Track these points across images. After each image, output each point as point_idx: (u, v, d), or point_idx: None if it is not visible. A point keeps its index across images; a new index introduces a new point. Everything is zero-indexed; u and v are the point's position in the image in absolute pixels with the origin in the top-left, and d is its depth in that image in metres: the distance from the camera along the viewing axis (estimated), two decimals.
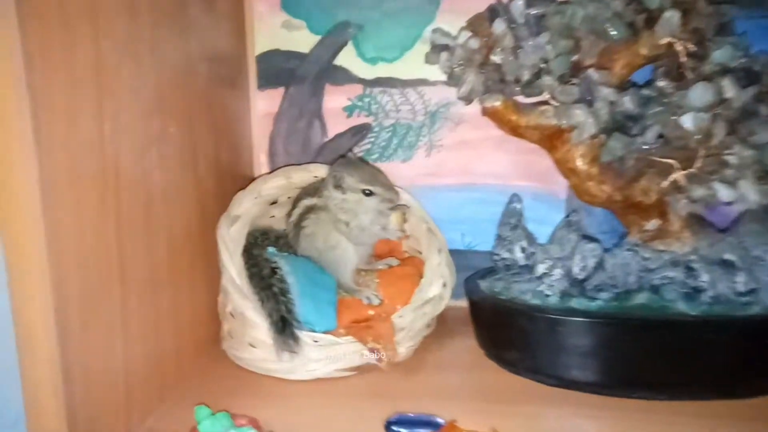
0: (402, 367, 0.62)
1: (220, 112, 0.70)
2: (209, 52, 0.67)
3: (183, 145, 0.58)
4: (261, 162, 0.81)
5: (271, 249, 0.66)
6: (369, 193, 0.66)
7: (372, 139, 0.80)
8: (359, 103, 0.79)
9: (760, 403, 0.55)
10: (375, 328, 0.60)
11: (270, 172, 0.72)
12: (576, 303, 0.60)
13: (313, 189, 0.70)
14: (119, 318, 0.48)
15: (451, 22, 0.71)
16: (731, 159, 0.54)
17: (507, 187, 0.79)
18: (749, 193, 0.52)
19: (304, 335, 0.57)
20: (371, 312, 0.64)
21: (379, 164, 0.79)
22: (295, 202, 0.70)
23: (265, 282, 0.58)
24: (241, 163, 0.77)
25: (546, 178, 0.78)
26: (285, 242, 0.71)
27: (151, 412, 0.52)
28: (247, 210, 0.64)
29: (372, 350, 0.58)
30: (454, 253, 0.78)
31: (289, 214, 0.71)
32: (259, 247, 0.64)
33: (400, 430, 0.48)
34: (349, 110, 0.79)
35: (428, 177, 0.80)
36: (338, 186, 0.66)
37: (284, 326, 0.56)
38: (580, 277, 0.60)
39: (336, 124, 0.80)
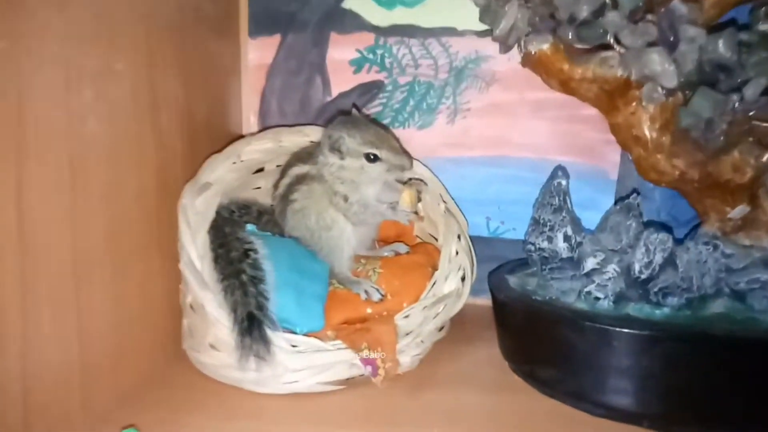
0: (405, 382, 0.49)
1: (198, 58, 0.57)
2: None
3: (137, 89, 0.46)
4: (251, 123, 0.68)
5: (250, 227, 0.53)
6: (373, 158, 0.53)
7: (384, 100, 0.66)
8: (370, 56, 0.66)
9: None
10: (372, 331, 0.47)
11: (256, 133, 0.59)
12: (635, 310, 0.46)
13: (306, 154, 0.56)
14: (18, 303, 0.35)
15: None
16: None
17: (545, 162, 0.66)
18: None
19: (278, 338, 0.44)
20: (370, 310, 0.51)
21: (395, 130, 0.66)
22: (284, 170, 0.57)
23: (234, 267, 0.45)
24: (226, 123, 0.64)
25: (594, 152, 0.64)
26: (270, 219, 0.58)
27: (107, 422, 0.41)
28: (220, 177, 0.52)
29: (366, 360, 0.45)
30: (477, 240, 0.65)
31: (276, 185, 0.58)
32: (233, 224, 0.51)
33: None
34: (358, 64, 0.66)
35: (450, 148, 0.67)
36: (335, 149, 0.53)
37: (251, 325, 0.43)
38: (643, 276, 0.46)
39: (341, 80, 0.66)
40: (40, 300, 0.37)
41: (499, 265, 0.60)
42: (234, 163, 0.54)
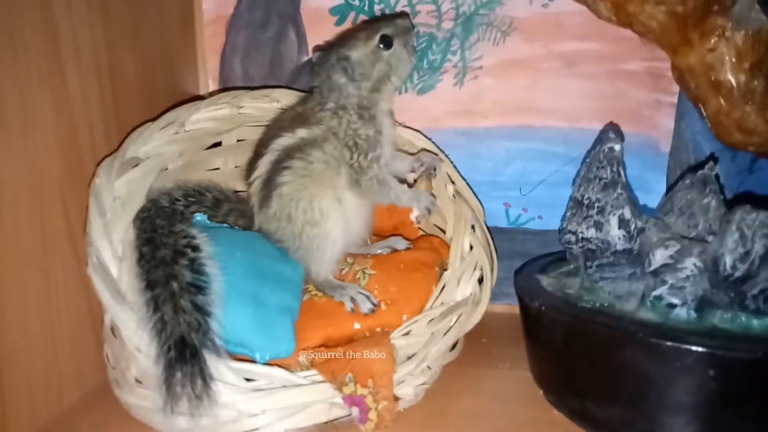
0: (408, 422, 0.36)
1: (130, 5, 0.43)
2: None
3: (34, 42, 0.32)
4: (210, 90, 0.55)
5: (199, 217, 0.40)
6: (386, 42, 0.44)
7: None
8: (355, 2, 0.53)
9: None
10: (360, 357, 0.33)
11: (210, 99, 0.46)
12: (724, 320, 0.33)
13: (297, 118, 0.44)
14: None
15: None
16: None
17: (578, 133, 0.53)
18: None
19: (228, 370, 0.31)
20: (358, 326, 0.38)
21: None
22: (260, 146, 0.44)
23: (162, 272, 0.32)
24: (176, 89, 0.51)
25: (641, 118, 0.52)
26: (234, 209, 0.45)
27: None
28: (154, 151, 0.39)
29: (352, 399, 0.32)
30: (495, 231, 0.52)
31: (250, 167, 0.45)
32: (172, 215, 0.38)
33: None
34: (341, 12, 0.53)
35: (459, 116, 0.55)
36: (343, 69, 0.43)
37: (181, 354, 0.30)
38: (737, 273, 0.33)
39: (320, 33, 0.53)
40: None
41: (525, 262, 0.47)
42: (176, 133, 0.41)
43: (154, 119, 0.42)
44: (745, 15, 0.32)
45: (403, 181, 0.48)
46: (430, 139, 0.51)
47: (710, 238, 0.35)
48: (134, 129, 0.40)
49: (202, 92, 0.54)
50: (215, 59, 0.54)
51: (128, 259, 0.33)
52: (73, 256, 0.36)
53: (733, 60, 0.35)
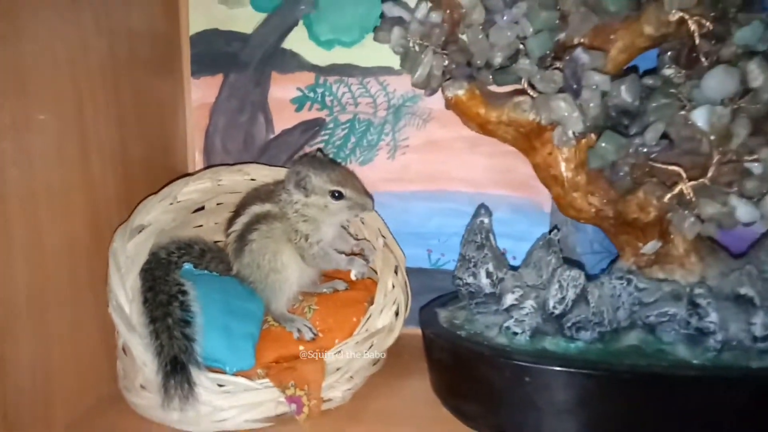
0: (336, 417, 0.50)
1: (135, 101, 0.58)
2: (121, 35, 0.55)
3: (63, 137, 0.47)
4: (196, 161, 0.69)
5: (187, 266, 0.54)
6: (338, 196, 0.56)
7: (326, 137, 0.68)
8: (311, 95, 0.68)
9: None
10: (299, 369, 0.48)
11: (194, 173, 0.60)
12: (551, 344, 0.48)
13: (266, 193, 0.58)
14: None
15: None
16: (755, 168, 0.42)
17: (481, 196, 0.67)
18: None
19: (205, 379, 0.46)
20: (302, 348, 0.52)
21: None
22: (241, 208, 0.59)
23: (162, 311, 0.47)
24: (169, 162, 0.66)
25: (527, 186, 0.66)
26: (214, 256, 0.59)
27: None
28: (155, 219, 0.53)
29: (292, 398, 0.46)
30: (419, 272, 0.67)
31: (230, 222, 0.59)
32: (167, 266, 0.52)
33: None
34: (299, 102, 0.68)
35: (391, 182, 0.68)
36: (301, 186, 0.55)
37: (174, 368, 0.44)
38: (557, 311, 0.48)
39: (283, 118, 0.68)
40: None
41: (434, 297, 0.61)
42: (171, 204, 0.55)
43: (154, 193, 0.57)
44: (559, 138, 0.48)
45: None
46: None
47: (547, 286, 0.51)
48: (140, 202, 0.54)
49: (189, 165, 0.68)
50: (201, 137, 0.69)
51: (136, 301, 0.48)
52: (94, 300, 0.50)
53: (563, 162, 0.50)
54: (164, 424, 0.47)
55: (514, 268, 0.55)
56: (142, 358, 0.45)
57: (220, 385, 0.46)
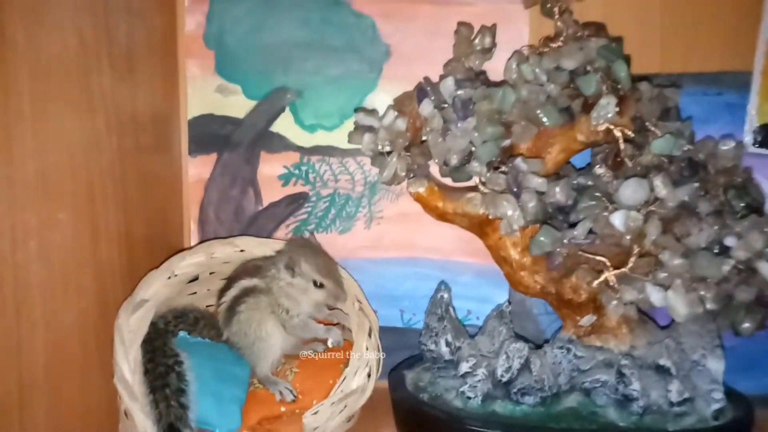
0: None
1: (138, 183, 0.65)
2: (126, 118, 0.63)
3: (77, 230, 0.54)
4: (192, 230, 0.76)
5: (182, 334, 0.61)
6: (319, 285, 0.63)
7: (309, 209, 0.76)
8: (296, 172, 0.76)
9: None
10: (280, 431, 0.55)
11: (189, 248, 0.68)
12: (500, 407, 0.55)
13: (254, 268, 0.66)
14: None
15: (392, 90, 0.68)
16: (666, 261, 0.50)
17: (449, 263, 0.75)
18: (678, 305, 0.47)
19: None
20: (283, 409, 0.59)
21: (316, 234, 0.75)
22: (231, 281, 0.66)
23: (160, 381, 0.54)
24: (168, 232, 0.73)
25: (489, 254, 0.73)
26: (207, 323, 0.66)
27: None
28: (156, 293, 0.60)
29: None
30: (393, 330, 0.74)
31: (221, 294, 0.66)
32: (165, 336, 0.59)
33: None
34: (285, 178, 0.76)
35: (367, 250, 0.76)
36: (290, 268, 0.63)
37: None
38: (504, 379, 0.55)
39: (271, 192, 0.76)
40: None
41: (404, 359, 0.69)
42: (169, 278, 0.63)
43: (155, 267, 0.64)
44: (505, 230, 0.56)
45: None
46: (345, 268, 0.73)
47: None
48: (142, 278, 0.62)
49: (185, 235, 0.75)
50: (196, 209, 0.76)
51: (138, 372, 0.54)
52: (100, 369, 0.57)
53: (511, 246, 0.58)
54: None
55: (473, 336, 0.62)
56: (142, 424, 0.52)
57: None
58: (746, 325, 0.50)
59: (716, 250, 0.50)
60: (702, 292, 0.49)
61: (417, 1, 0.71)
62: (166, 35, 0.72)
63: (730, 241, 0.49)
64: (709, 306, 0.49)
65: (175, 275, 0.63)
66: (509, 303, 0.62)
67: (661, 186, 0.49)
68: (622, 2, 0.70)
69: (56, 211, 0.51)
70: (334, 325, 0.68)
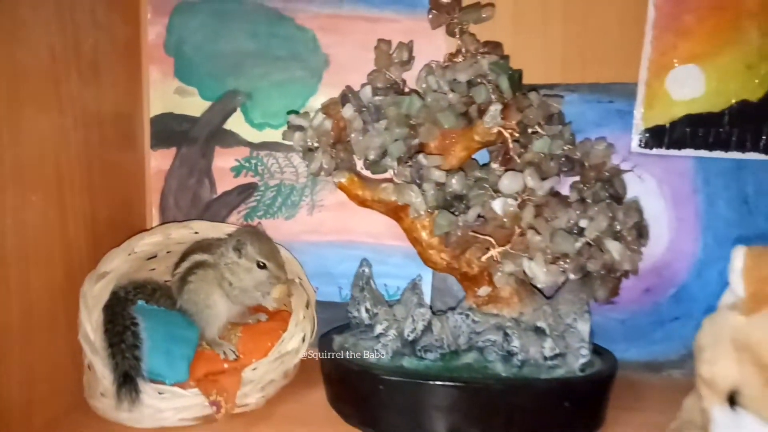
0: (248, 418, 0.67)
1: (104, 173, 0.75)
2: (92, 116, 0.73)
3: (47, 211, 0.64)
4: (153, 216, 0.86)
5: (140, 303, 0.71)
6: (262, 266, 0.72)
7: (258, 198, 0.86)
8: (246, 164, 0.86)
9: None
10: (221, 381, 0.65)
11: (149, 229, 0.77)
12: (407, 362, 0.66)
13: (207, 245, 0.75)
14: None
15: (331, 94, 0.77)
16: (530, 237, 0.61)
17: (380, 246, 0.85)
18: (538, 273, 0.58)
19: (150, 388, 0.62)
20: (226, 365, 0.69)
21: (263, 220, 0.86)
22: (185, 255, 0.76)
23: (117, 338, 0.63)
24: (131, 217, 0.83)
25: None
26: (163, 294, 0.76)
27: None
28: (116, 267, 0.70)
29: (213, 402, 0.64)
30: (332, 305, 0.85)
31: (177, 264, 0.76)
32: (124, 303, 0.68)
33: None
34: (237, 170, 0.86)
35: (310, 234, 0.86)
36: (238, 249, 0.72)
37: (125, 381, 0.61)
38: (410, 338, 0.66)
39: (224, 182, 0.86)
40: None
41: (337, 326, 0.79)
42: (129, 254, 0.72)
43: (117, 245, 0.73)
44: (413, 214, 0.66)
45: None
46: (289, 250, 0.83)
47: None
48: (105, 254, 0.71)
49: (147, 220, 0.85)
50: (157, 197, 0.86)
51: (99, 331, 0.64)
52: (67, 328, 0.66)
53: (421, 228, 0.69)
54: (118, 423, 0.64)
55: (391, 305, 0.73)
56: (102, 373, 0.62)
57: (160, 393, 0.63)
58: (600, 292, 0.62)
59: (576, 231, 0.61)
60: (564, 264, 0.60)
61: (352, 18, 0.82)
62: (130, 44, 0.81)
63: (583, 222, 0.60)
64: (571, 276, 0.60)
65: (135, 252, 0.73)
66: (420, 277, 0.72)
67: (530, 178, 0.60)
68: (528, 20, 0.81)
69: (29, 194, 0.61)
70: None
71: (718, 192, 0.80)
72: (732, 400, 0.46)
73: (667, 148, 0.79)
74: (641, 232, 0.63)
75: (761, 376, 0.44)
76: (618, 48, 0.80)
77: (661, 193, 0.81)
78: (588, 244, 0.60)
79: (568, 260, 0.60)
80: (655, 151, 0.79)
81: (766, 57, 0.76)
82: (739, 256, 0.48)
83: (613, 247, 0.59)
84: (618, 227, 0.62)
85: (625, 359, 0.79)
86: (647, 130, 0.79)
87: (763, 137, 0.77)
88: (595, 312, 0.82)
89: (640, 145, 0.80)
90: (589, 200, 0.65)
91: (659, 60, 0.78)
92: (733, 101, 0.77)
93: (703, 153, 0.79)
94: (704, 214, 0.81)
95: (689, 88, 0.78)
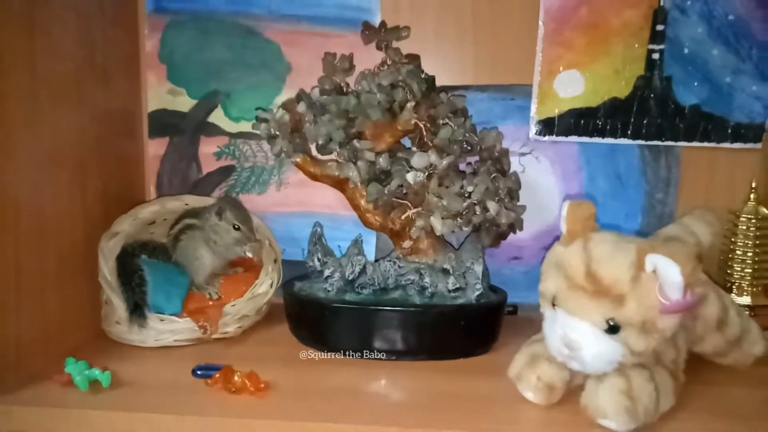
0: (229, 341, 0.88)
1: (114, 158, 0.96)
2: (103, 113, 0.93)
3: (73, 184, 0.85)
4: (151, 192, 1.07)
5: (144, 257, 0.92)
6: (237, 228, 0.93)
7: (235, 177, 1.07)
8: (226, 150, 1.06)
9: (467, 362, 0.83)
10: (206, 312, 0.86)
11: (149, 201, 0.98)
12: (348, 296, 0.87)
13: (195, 212, 0.96)
14: (14, 303, 0.73)
15: (293, 94, 0.98)
16: (442, 203, 0.82)
17: (336, 216, 1.06)
18: (436, 225, 0.80)
19: (153, 316, 0.84)
20: (210, 303, 0.91)
21: (240, 196, 1.07)
22: (178, 219, 0.96)
23: (128, 279, 0.84)
24: (134, 193, 1.04)
25: None
26: (161, 251, 0.96)
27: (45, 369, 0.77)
28: (124, 229, 0.91)
29: (200, 326, 0.85)
30: (296, 263, 1.05)
31: (171, 227, 0.97)
32: (132, 256, 0.89)
33: (198, 371, 0.74)
34: (218, 155, 1.07)
35: (278, 206, 1.07)
36: (219, 214, 0.92)
37: (135, 309, 0.82)
38: (350, 278, 0.88)
39: (208, 165, 1.07)
40: None
41: (297, 276, 1.00)
42: (134, 219, 0.93)
43: (124, 213, 0.94)
44: (353, 183, 0.87)
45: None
46: (261, 219, 1.04)
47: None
48: (115, 219, 0.92)
49: (146, 195, 1.06)
50: (154, 177, 1.06)
51: (113, 275, 0.85)
52: (89, 275, 0.87)
53: (359, 197, 0.90)
54: (128, 342, 0.85)
55: (334, 258, 0.94)
56: (118, 304, 0.83)
57: (161, 320, 0.84)
58: (486, 241, 0.84)
59: (467, 195, 0.83)
60: (459, 220, 0.82)
61: (309, 33, 1.03)
62: (132, 54, 1.02)
63: (470, 188, 0.82)
64: (464, 228, 0.82)
65: (138, 218, 0.94)
66: (361, 235, 0.94)
67: (433, 157, 0.82)
68: (447, 34, 1.02)
69: (57, 173, 0.81)
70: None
71: (597, 170, 1.03)
72: (553, 303, 0.68)
73: (557, 135, 1.01)
74: (512, 195, 0.85)
75: (566, 284, 0.66)
76: (517, 57, 1.02)
77: (554, 171, 1.04)
78: (474, 204, 0.81)
79: (460, 216, 0.82)
80: (547, 138, 1.02)
81: (630, 63, 0.99)
82: (564, 207, 0.71)
83: (492, 206, 0.81)
84: (501, 193, 0.84)
85: (527, 303, 1.02)
86: (540, 122, 1.02)
87: (630, 126, 1.00)
88: (504, 266, 1.05)
89: (536, 134, 1.02)
90: (475, 172, 0.87)
91: (548, 66, 1.00)
92: (606, 98, 1.00)
93: (585, 139, 1.01)
94: (587, 187, 1.04)
95: (572, 88, 1.00)
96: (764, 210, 0.94)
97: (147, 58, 1.04)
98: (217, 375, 0.72)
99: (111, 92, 0.95)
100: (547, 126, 1.01)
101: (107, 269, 0.85)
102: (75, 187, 0.86)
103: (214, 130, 1.06)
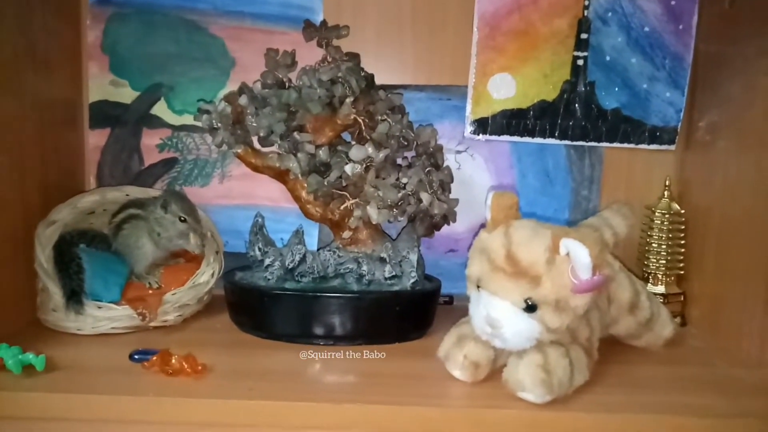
0: (169, 329, 0.90)
1: (53, 147, 0.96)
2: (44, 102, 0.93)
3: (11, 171, 0.84)
4: (91, 183, 1.07)
5: (82, 245, 0.92)
6: (182, 221, 0.94)
7: (178, 169, 1.08)
8: (169, 143, 1.07)
9: (402, 346, 0.87)
10: (145, 299, 0.87)
11: (88, 191, 0.98)
12: (287, 284, 0.90)
13: (140, 203, 0.96)
14: None
15: (236, 88, 1.01)
16: (368, 190, 0.87)
17: (279, 208, 1.09)
18: (372, 214, 0.84)
19: (91, 303, 0.84)
20: (150, 291, 0.91)
21: (184, 188, 1.08)
22: (121, 208, 0.96)
23: (65, 266, 0.84)
24: (74, 184, 1.03)
25: None
26: (100, 240, 0.96)
27: None
28: (62, 217, 0.91)
29: (138, 314, 0.86)
30: (238, 255, 1.07)
31: (114, 216, 0.97)
32: (70, 244, 0.89)
33: (135, 356, 0.75)
34: (161, 147, 1.07)
35: (221, 198, 1.09)
36: (164, 207, 0.93)
37: (71, 297, 0.82)
38: (290, 267, 0.90)
39: (150, 157, 1.07)
40: None
41: (238, 266, 1.02)
42: (72, 208, 0.93)
43: (62, 202, 0.94)
44: (294, 174, 0.90)
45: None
46: (204, 212, 1.05)
47: None
48: (53, 208, 0.91)
49: (87, 186, 1.06)
50: (94, 168, 1.06)
51: (50, 262, 0.85)
52: (26, 261, 0.86)
53: (300, 189, 0.93)
54: (65, 330, 0.85)
55: (275, 248, 0.96)
56: (54, 291, 0.83)
57: (99, 307, 0.84)
58: (420, 230, 0.88)
59: (402, 186, 0.87)
60: (394, 210, 0.86)
61: (253, 30, 1.06)
62: (74, 44, 1.02)
63: (405, 180, 0.86)
64: (399, 218, 0.87)
65: (77, 207, 0.94)
66: (301, 225, 0.97)
67: (370, 149, 0.86)
68: (387, 34, 1.07)
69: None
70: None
71: (527, 167, 1.10)
72: (478, 285, 0.73)
73: (490, 134, 1.07)
74: (444, 187, 0.90)
75: (489, 267, 0.71)
76: (454, 59, 1.07)
77: (488, 168, 1.10)
78: (408, 195, 0.86)
79: (396, 207, 0.86)
80: (481, 136, 1.07)
81: (557, 68, 1.06)
82: (489, 196, 0.76)
83: (425, 197, 0.86)
84: (434, 185, 0.89)
85: (463, 293, 1.06)
86: (475, 121, 1.07)
87: (558, 127, 1.07)
88: (441, 258, 1.10)
89: (471, 133, 1.08)
90: (410, 165, 0.92)
91: (482, 69, 1.06)
92: (536, 101, 1.07)
93: (516, 138, 1.08)
94: (518, 183, 1.10)
95: (504, 90, 1.06)
96: (676, 206, 1.03)
97: (89, 48, 1.04)
98: (154, 358, 0.73)
99: (52, 81, 0.95)
100: (482, 125, 1.07)
101: (44, 257, 0.84)
102: (13, 175, 0.85)
103: (157, 123, 1.07)
